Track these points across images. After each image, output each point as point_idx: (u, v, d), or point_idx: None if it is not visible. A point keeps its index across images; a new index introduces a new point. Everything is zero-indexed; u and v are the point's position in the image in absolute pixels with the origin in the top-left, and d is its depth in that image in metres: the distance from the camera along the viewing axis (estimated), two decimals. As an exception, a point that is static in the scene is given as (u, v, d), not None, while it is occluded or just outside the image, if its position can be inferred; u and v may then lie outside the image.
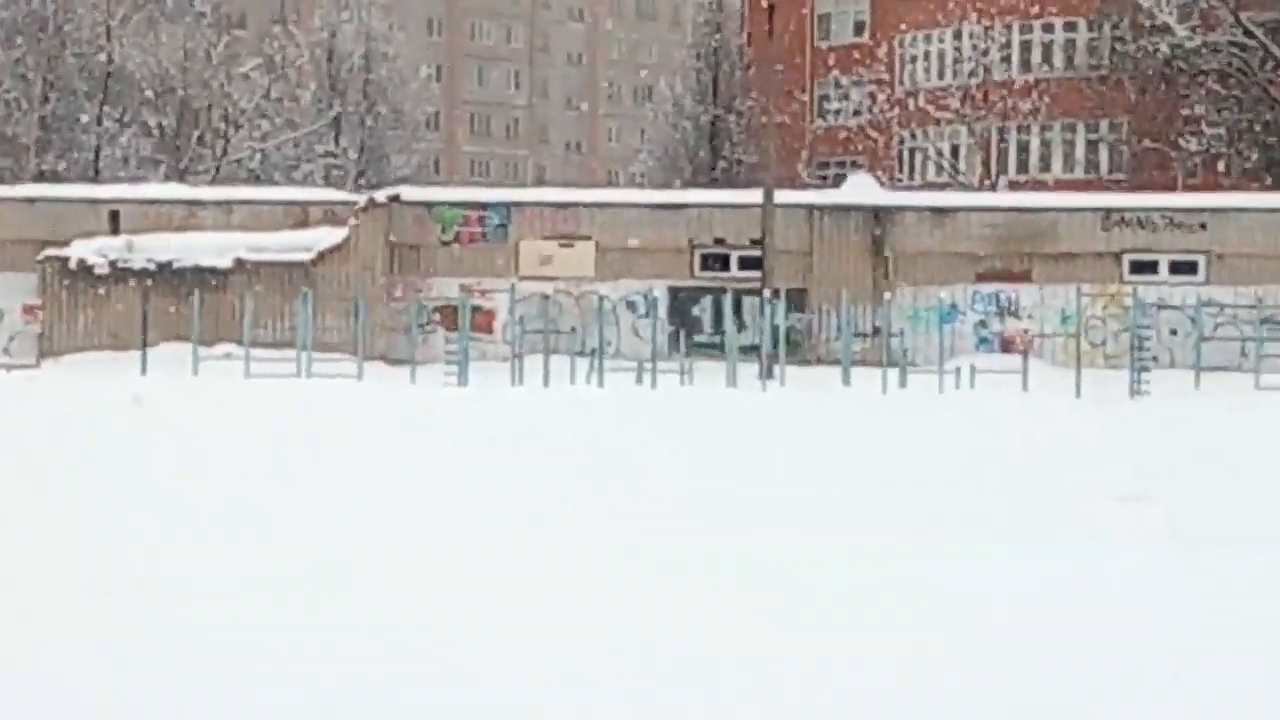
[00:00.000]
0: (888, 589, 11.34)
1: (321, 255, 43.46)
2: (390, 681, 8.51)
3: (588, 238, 44.33)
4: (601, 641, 9.58)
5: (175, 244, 43.41)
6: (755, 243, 42.63)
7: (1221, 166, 56.30)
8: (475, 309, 40.93)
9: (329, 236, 43.83)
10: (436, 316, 42.54)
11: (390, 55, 77.21)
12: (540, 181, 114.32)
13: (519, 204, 45.87)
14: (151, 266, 42.89)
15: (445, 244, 44.33)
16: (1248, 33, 55.51)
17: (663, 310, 43.02)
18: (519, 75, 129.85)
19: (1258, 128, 55.99)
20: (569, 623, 10.11)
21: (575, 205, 45.71)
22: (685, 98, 75.10)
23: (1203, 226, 43.18)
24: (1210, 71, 56.12)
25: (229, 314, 41.03)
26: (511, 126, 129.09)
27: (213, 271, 42.78)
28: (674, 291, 43.99)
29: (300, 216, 44.91)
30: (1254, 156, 56.20)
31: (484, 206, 45.15)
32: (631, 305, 43.59)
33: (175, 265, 42.97)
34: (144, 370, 37.01)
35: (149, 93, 66.30)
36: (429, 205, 45.05)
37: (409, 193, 46.62)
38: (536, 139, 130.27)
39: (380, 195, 45.90)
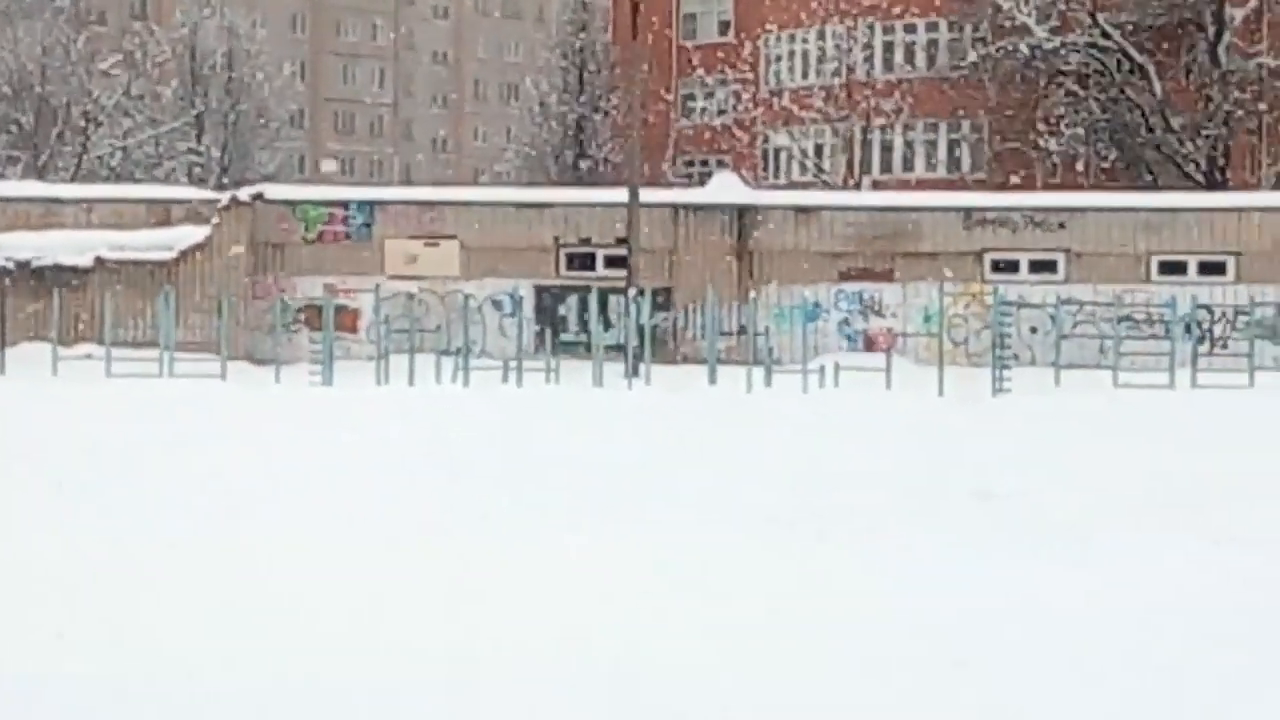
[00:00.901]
0: (725, 585, 11.41)
1: (184, 254, 43.05)
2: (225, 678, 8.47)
3: (453, 237, 44.21)
4: (445, 636, 9.59)
5: (34, 242, 42.83)
6: (621, 241, 42.70)
7: (1080, 166, 57.09)
8: (340, 308, 40.67)
9: (191, 235, 43.42)
10: (301, 316, 42.29)
11: (253, 52, 76.63)
12: (406, 180, 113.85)
13: (384, 202, 45.67)
14: (10, 265, 42.31)
15: (309, 243, 44.06)
16: (1105, 34, 56.30)
17: (528, 309, 43.00)
18: (384, 73, 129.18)
19: (1115, 128, 56.80)
20: (409, 621, 10.12)
21: (440, 204, 45.57)
22: (551, 96, 75.03)
23: (1062, 226, 43.71)
24: (1069, 72, 56.87)
25: (89, 313, 40.57)
26: (376, 124, 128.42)
27: (73, 270, 42.25)
28: (540, 290, 43.97)
29: (162, 215, 44.45)
30: (1111, 156, 57.03)
31: (348, 205, 44.90)
32: (497, 304, 43.53)
33: (34, 264, 42.41)
34: (2, 370, 36.50)
35: (6, 89, 65.43)
36: (293, 204, 44.75)
37: (272, 191, 46.29)
38: (402, 137, 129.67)
39: (243, 194, 45.52)
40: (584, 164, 71.54)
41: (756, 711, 8.25)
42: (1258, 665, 9.21)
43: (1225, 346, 41.17)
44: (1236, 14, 55.82)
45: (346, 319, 41.90)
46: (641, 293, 39.45)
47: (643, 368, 36.68)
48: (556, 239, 44.43)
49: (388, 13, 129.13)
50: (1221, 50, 55.65)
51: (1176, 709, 8.35)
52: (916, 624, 10.27)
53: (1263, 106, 56.43)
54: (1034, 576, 11.85)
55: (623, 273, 41.91)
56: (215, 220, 43.66)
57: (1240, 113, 55.97)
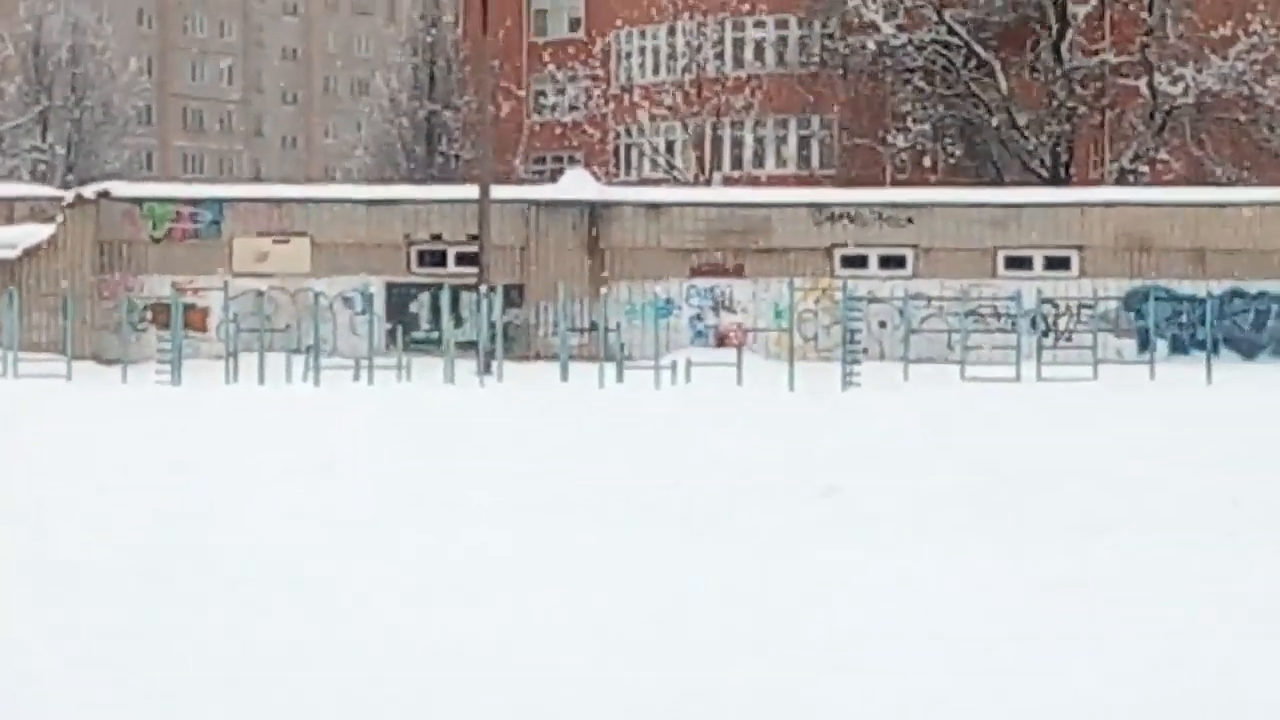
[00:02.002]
0: (581, 580, 11.44)
1: (28, 253, 42.45)
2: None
3: (303, 234, 43.91)
4: (295, 637, 9.55)
5: (-127, 242, 42.09)
6: (472, 238, 42.59)
7: (928, 162, 57.67)
8: (188, 307, 40.27)
9: (35, 233, 42.81)
10: (148, 315, 41.81)
11: (99, 48, 75.63)
12: (255, 177, 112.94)
13: (232, 200, 45.27)
14: None
15: (156, 241, 43.58)
16: (951, 31, 56.92)
17: (380, 307, 42.75)
18: (233, 69, 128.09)
19: (962, 124, 57.46)
20: (253, 623, 10.07)
21: (290, 201, 45.25)
22: (402, 93, 74.70)
23: (910, 221, 44.10)
24: (916, 69, 57.45)
25: (-70, 314, 39.87)
26: (225, 121, 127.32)
27: (-87, 270, 41.55)
28: (391, 288, 43.77)
29: (5, 213, 43.81)
30: (958, 152, 57.68)
31: (196, 203, 44.47)
32: (348, 302, 43.26)
33: (-127, 264, 41.66)
34: None
35: None
36: (140, 201, 44.25)
37: (119, 188, 45.72)
38: (251, 134, 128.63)
39: (89, 191, 44.94)
40: (435, 160, 71.30)
41: (617, 707, 8.29)
42: (1082, 661, 9.36)
43: (1070, 339, 41.71)
44: (1079, 12, 56.62)
45: (195, 317, 41.48)
46: (493, 289, 39.37)
47: (495, 365, 36.63)
48: (407, 236, 44.24)
49: (236, 9, 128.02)
50: (1065, 48, 56.43)
51: (994, 702, 8.47)
52: (763, 616, 10.34)
53: (1105, 103, 57.31)
54: (882, 570, 11.95)
55: (474, 270, 41.80)
56: (60, 218, 43.08)
57: (1083, 109, 56.81)
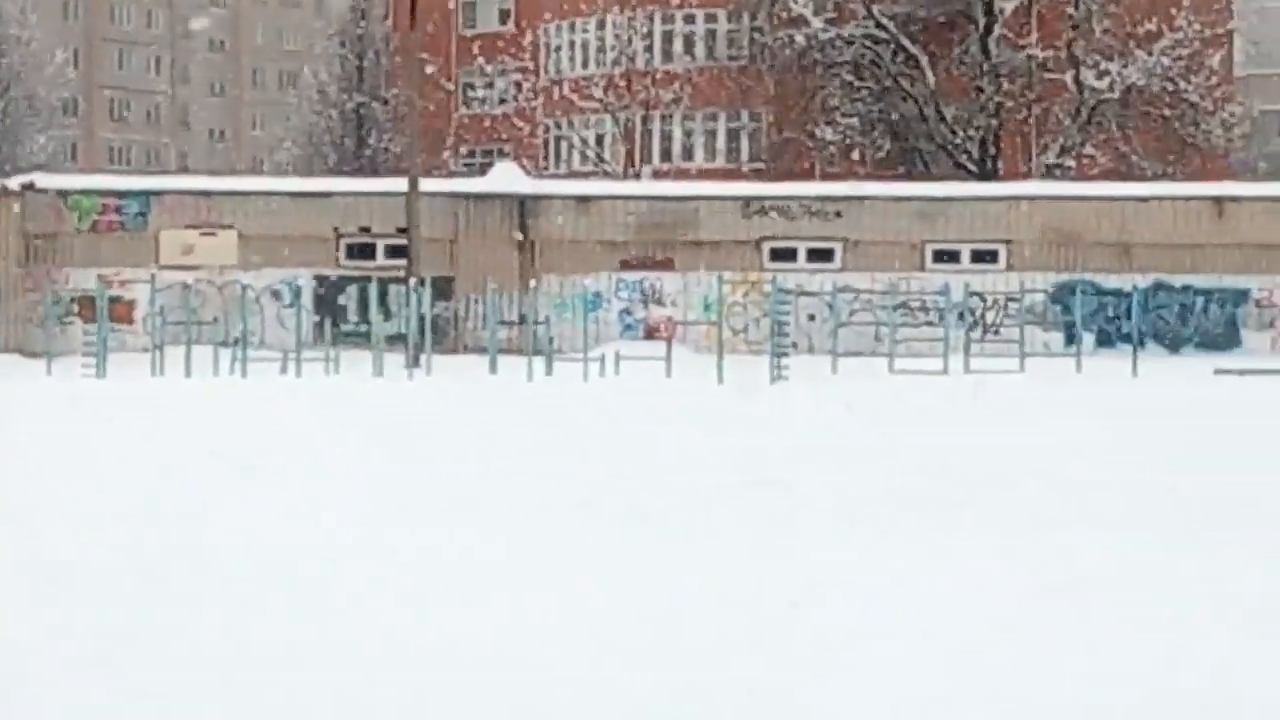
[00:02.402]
0: (511, 577, 11.43)
1: (-49, 245, 42.13)
2: None
3: (230, 226, 43.70)
4: (235, 634, 9.51)
5: None
6: (401, 231, 42.45)
7: (856, 156, 57.84)
8: (114, 299, 39.98)
9: (-41, 226, 42.46)
10: (74, 307, 41.50)
11: (24, 39, 75.10)
12: (182, 169, 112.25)
13: (159, 192, 45.01)
14: None
15: (82, 233, 43.27)
16: (880, 25, 57.10)
17: (308, 299, 42.56)
18: (160, 60, 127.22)
19: (890, 118, 57.65)
20: (184, 616, 10.02)
21: (218, 194, 45.04)
22: (330, 85, 74.50)
23: (839, 215, 44.24)
24: (845, 63, 57.59)
25: None
26: (153, 112, 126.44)
27: None
28: (319, 280, 43.61)
29: (-72, 205, 43.43)
30: (887, 146, 57.86)
31: (122, 195, 44.17)
32: (276, 294, 43.08)
33: None
34: None
35: None
36: (65, 193, 43.92)
37: (44, 180, 45.37)
38: (178, 125, 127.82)
39: (13, 183, 44.57)
40: (364, 153, 71.10)
41: (548, 703, 8.29)
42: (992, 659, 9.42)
43: (997, 333, 41.93)
44: (1007, 7, 56.90)
45: (121, 310, 41.17)
46: (422, 282, 39.22)
47: (423, 358, 36.51)
48: (336, 229, 44.09)
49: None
50: (992, 43, 56.70)
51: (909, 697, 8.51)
52: (695, 610, 10.35)
53: (1032, 98, 57.60)
54: (809, 562, 11.98)
55: (403, 262, 41.66)
56: (-16, 210, 42.74)
57: (1011, 104, 57.10)
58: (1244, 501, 15.45)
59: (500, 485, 16.22)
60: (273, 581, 11.19)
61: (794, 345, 38.54)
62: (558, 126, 64.46)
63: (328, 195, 45.13)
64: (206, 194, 44.84)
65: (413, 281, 39.46)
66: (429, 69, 59.87)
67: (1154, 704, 8.27)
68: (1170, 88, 56.46)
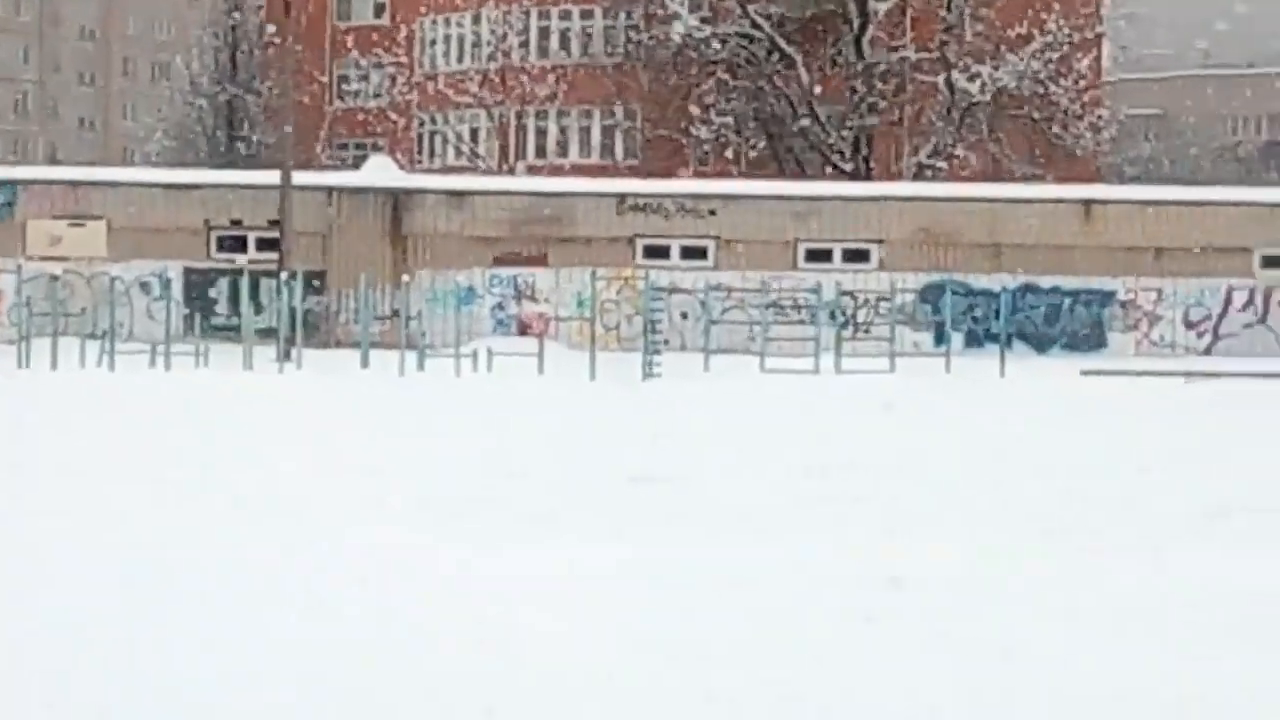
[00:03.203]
0: (376, 576, 11.38)
1: None
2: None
3: (99, 217, 43.23)
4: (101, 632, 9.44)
5: None
6: (273, 224, 42.16)
7: (730, 154, 58.05)
8: (-21, 290, 39.46)
9: None
10: (-61, 300, 40.93)
11: (-112, 25, 73.84)
12: (51, 159, 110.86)
13: (26, 182, 44.48)
14: None
15: (-54, 223, 42.69)
16: (754, 24, 57.35)
17: (178, 292, 42.14)
18: (28, 49, 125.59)
19: (764, 117, 57.92)
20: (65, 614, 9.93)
21: (87, 184, 44.55)
22: (203, 76, 73.77)
23: (712, 213, 44.40)
24: (720, 61, 57.78)
25: None
26: (20, 102, 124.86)
27: None
28: (189, 272, 43.23)
29: None
30: (761, 145, 58.11)
31: (-12, 184, 43.63)
32: (145, 286, 42.64)
33: None
34: None
35: None
36: (-71, 182, 43.33)
37: (-92, 169, 44.74)
38: (47, 115, 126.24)
39: (-124, 171, 43.92)
40: (236, 145, 70.51)
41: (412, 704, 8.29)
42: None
43: (868, 332, 42.20)
44: (880, 8, 57.33)
45: (-13, 301, 40.66)
46: (294, 276, 38.95)
47: (295, 351, 36.28)
48: (207, 221, 43.75)
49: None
50: (866, 43, 57.11)
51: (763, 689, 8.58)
52: (579, 606, 10.36)
53: (905, 99, 58.08)
54: (689, 557, 12.01)
55: (275, 255, 41.38)
56: None
57: (883, 104, 57.52)
58: (1101, 500, 15.67)
59: (366, 483, 16.15)
60: (110, 579, 11.02)
61: (666, 342, 38.64)
62: (432, 121, 64.27)
63: (199, 187, 44.78)
64: (75, 184, 44.36)
65: (284, 275, 39.20)
66: (303, 62, 59.44)
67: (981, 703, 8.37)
68: (1040, 91, 57.13)
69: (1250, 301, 43.81)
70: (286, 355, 36.41)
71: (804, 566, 11.74)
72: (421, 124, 64.70)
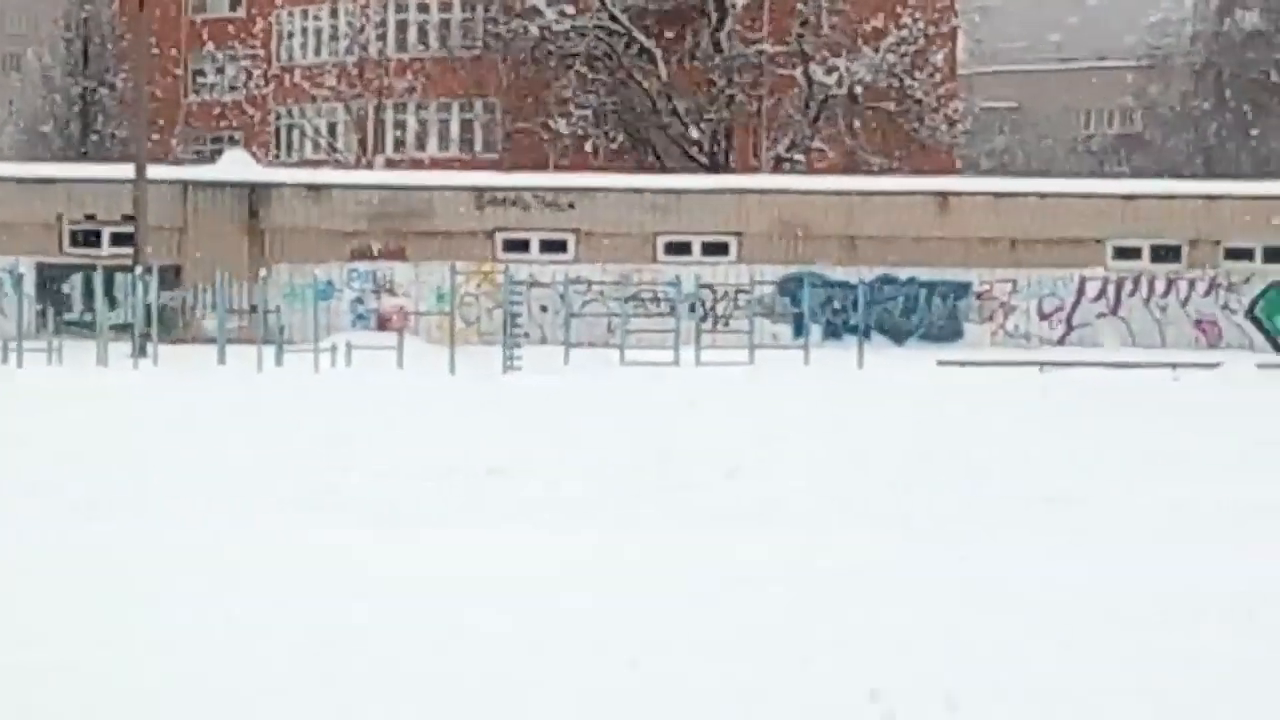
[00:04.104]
0: (227, 572, 11.32)
1: None
2: None
3: (-51, 212, 42.59)
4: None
5: None
6: (128, 219, 41.67)
7: (590, 147, 58.09)
8: None
9: None
10: None
11: None
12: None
13: (-127, 176, 43.75)
14: None
15: None
16: (613, 18, 57.41)
17: (30, 287, 41.55)
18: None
19: (623, 110, 57.99)
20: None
21: (-64, 178, 43.88)
22: (55, 69, 72.70)
23: (571, 206, 44.41)
24: (579, 54, 57.77)
25: None
26: None
27: None
28: (42, 268, 42.66)
29: None
30: (620, 138, 58.18)
31: None
32: (-3, 282, 42.08)
33: None
34: None
35: None
36: None
37: None
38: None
39: None
40: (90, 139, 69.59)
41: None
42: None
43: (728, 324, 42.42)
44: (738, 2, 57.55)
45: None
46: (149, 271, 38.55)
47: (150, 347, 35.91)
48: (60, 215, 43.19)
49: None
50: (724, 37, 57.35)
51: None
52: (442, 600, 10.34)
53: (763, 92, 58.37)
54: (547, 550, 12.03)
55: (129, 250, 40.89)
56: None
57: (742, 97, 57.79)
58: (940, 488, 15.85)
59: (226, 479, 16.04)
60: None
61: (526, 336, 38.68)
62: (290, 114, 63.80)
63: (51, 181, 44.17)
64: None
65: (139, 270, 38.79)
66: (157, 54, 58.76)
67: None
68: (896, 84, 57.63)
69: (1103, 292, 44.43)
70: (142, 351, 36.04)
71: (651, 556, 11.81)
72: (279, 117, 64.21)
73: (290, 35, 64.34)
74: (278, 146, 63.72)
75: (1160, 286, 44.41)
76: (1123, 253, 44.61)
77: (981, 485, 16.15)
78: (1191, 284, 44.43)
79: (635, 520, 13.64)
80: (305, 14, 63.52)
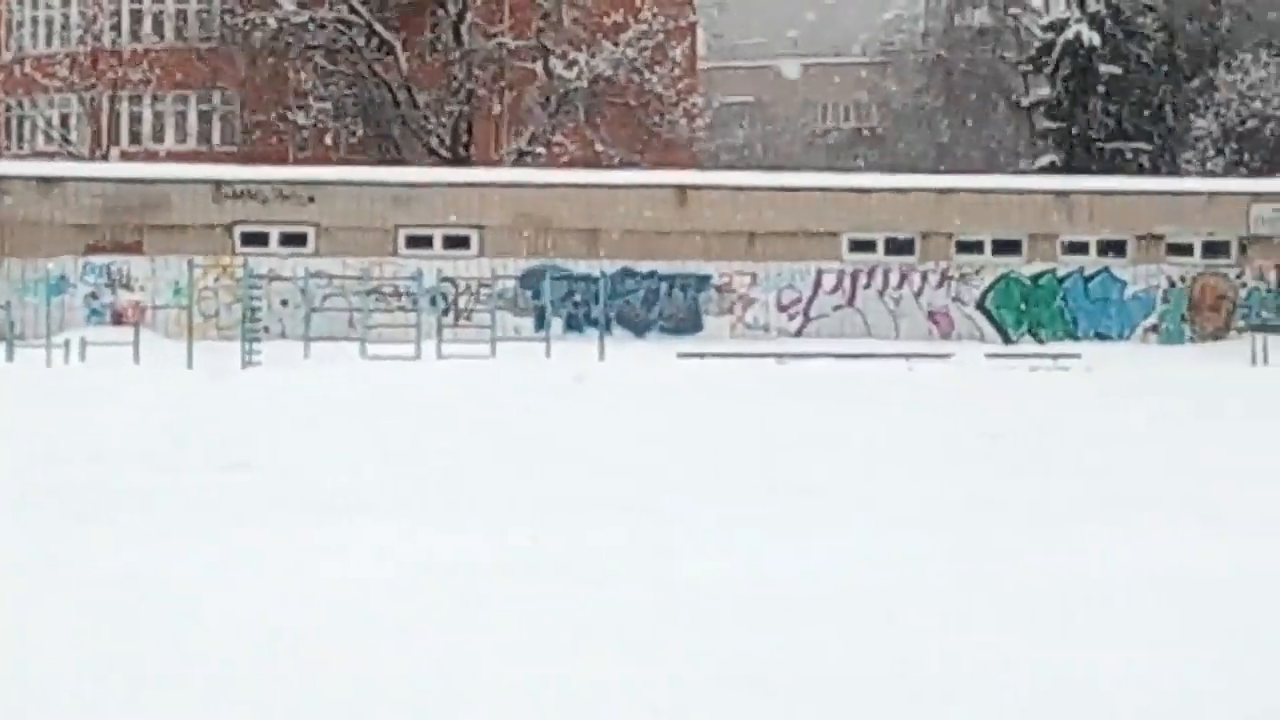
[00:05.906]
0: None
1: None
2: None
3: None
4: None
5: None
6: None
7: (330, 140, 57.73)
8: None
9: None
10: None
11: None
12: None
13: None
14: None
15: None
16: (353, 10, 57.08)
17: None
18: None
19: (364, 103, 57.72)
20: None
21: None
22: None
23: (311, 199, 44.09)
24: (318, 47, 57.36)
25: None
26: None
27: None
28: None
29: None
30: (360, 131, 57.92)
31: None
32: None
33: None
34: None
35: None
36: None
37: None
38: None
39: None
40: None
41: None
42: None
43: (469, 318, 42.46)
44: (477, -5, 57.60)
45: None
46: (-127, 266, 37.58)
47: (-125, 345, 34.99)
48: None
49: None
50: (464, 29, 57.33)
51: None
52: (173, 596, 10.28)
53: (504, 85, 58.46)
54: (291, 548, 11.97)
55: None
56: None
57: (483, 91, 57.83)
58: (674, 479, 16.06)
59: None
60: None
61: (266, 330, 38.34)
62: (20, 106, 62.38)
63: None
64: None
65: None
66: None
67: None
68: (636, 79, 58.05)
69: (839, 284, 45.21)
70: None
71: (393, 548, 11.84)
72: (9, 109, 62.77)
73: (20, 25, 62.88)
74: (8, 139, 62.28)
75: (895, 279, 45.33)
76: (858, 245, 45.45)
77: (714, 475, 16.37)
78: (924, 276, 45.41)
79: (376, 511, 13.62)
80: (36, 3, 62.14)
